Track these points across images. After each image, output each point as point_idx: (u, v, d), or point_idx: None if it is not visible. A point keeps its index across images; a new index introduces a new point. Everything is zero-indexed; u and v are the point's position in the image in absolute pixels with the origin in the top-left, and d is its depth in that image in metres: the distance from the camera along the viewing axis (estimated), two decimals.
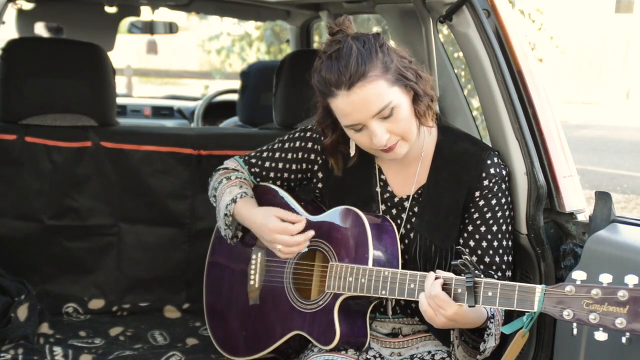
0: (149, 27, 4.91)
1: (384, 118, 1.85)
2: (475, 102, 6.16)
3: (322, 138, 2.07)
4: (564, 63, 16.74)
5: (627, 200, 8.12)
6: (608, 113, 15.56)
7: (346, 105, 1.84)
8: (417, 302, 1.81)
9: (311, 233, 2.00)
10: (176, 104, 5.36)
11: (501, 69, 2.08)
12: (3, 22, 3.19)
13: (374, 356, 2.03)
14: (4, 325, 2.49)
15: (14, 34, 4.30)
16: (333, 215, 2.04)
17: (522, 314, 1.68)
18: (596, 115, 15.23)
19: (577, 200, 2.05)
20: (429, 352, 2.03)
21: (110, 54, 3.00)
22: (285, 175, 2.23)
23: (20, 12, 4.36)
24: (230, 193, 2.16)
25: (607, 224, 1.91)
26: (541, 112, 2.07)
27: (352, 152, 2.03)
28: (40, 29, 4.42)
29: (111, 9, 4.30)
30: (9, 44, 2.81)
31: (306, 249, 2.05)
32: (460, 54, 4.50)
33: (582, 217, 2.03)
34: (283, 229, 2.00)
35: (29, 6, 4.32)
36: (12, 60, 2.77)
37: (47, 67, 2.78)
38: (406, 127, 1.89)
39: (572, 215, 2.03)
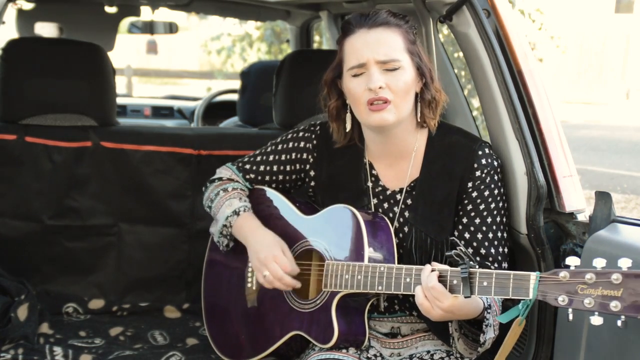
0: (149, 27, 4.91)
1: (386, 71, 1.90)
2: (475, 102, 6.16)
3: (327, 103, 2.08)
4: (564, 63, 16.75)
5: (627, 200, 8.12)
6: (608, 113, 15.55)
7: (360, 42, 1.93)
8: (413, 297, 1.81)
9: (297, 284, 2.03)
10: (176, 104, 5.36)
11: (501, 69, 2.08)
12: (3, 22, 3.18)
13: (375, 355, 2.03)
14: (4, 325, 2.49)
15: (14, 34, 4.30)
16: (328, 213, 2.05)
17: (519, 302, 1.69)
18: (596, 115, 15.22)
19: (577, 200, 2.05)
20: (428, 351, 2.03)
21: (110, 54, 3.00)
22: (280, 177, 2.23)
23: (20, 12, 4.37)
24: (231, 205, 2.17)
25: (607, 224, 1.91)
26: (541, 112, 2.07)
27: (348, 127, 2.04)
28: (41, 29, 4.42)
29: (111, 9, 4.30)
30: (9, 44, 2.81)
31: (307, 247, 2.06)
32: (460, 54, 4.50)
33: (582, 217, 2.03)
34: (280, 260, 2.02)
35: (29, 6, 4.33)
36: (12, 60, 2.77)
37: (47, 67, 2.78)
38: (403, 90, 1.92)
39: (572, 215, 2.03)
